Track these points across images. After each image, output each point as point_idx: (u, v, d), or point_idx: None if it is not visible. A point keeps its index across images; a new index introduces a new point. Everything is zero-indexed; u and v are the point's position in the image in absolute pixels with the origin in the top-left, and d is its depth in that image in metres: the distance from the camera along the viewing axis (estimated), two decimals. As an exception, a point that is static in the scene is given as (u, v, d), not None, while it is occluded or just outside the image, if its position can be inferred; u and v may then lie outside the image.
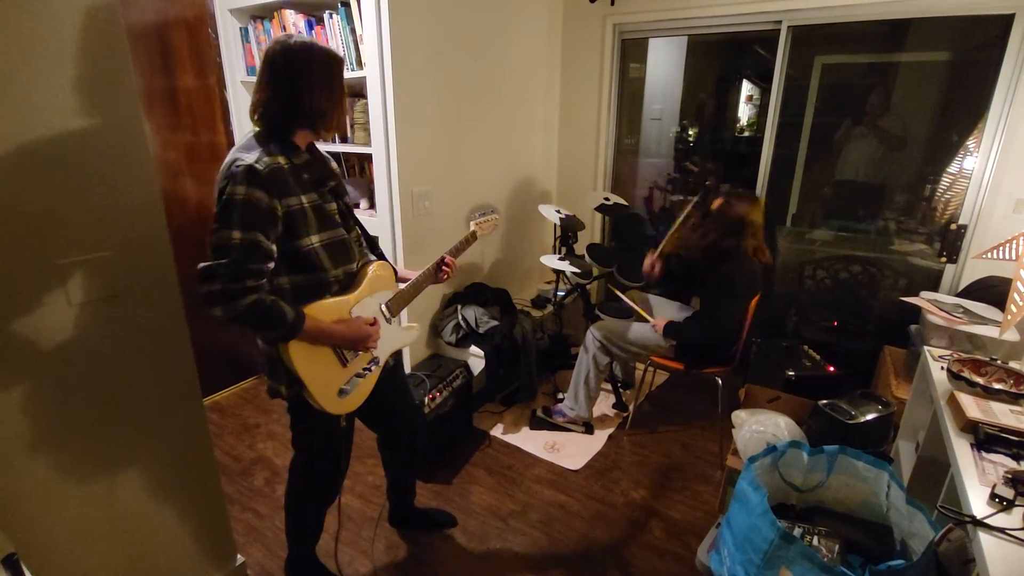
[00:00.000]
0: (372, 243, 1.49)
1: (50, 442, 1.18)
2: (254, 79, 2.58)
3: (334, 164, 1.41)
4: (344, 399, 1.35)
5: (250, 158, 1.14)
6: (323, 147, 2.45)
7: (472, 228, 1.70)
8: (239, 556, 1.69)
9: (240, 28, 2.43)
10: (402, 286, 1.51)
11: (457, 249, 1.62)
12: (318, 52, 1.21)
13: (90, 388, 1.22)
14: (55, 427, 1.18)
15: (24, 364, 1.11)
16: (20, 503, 1.15)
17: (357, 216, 1.46)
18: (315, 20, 2.21)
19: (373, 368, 1.42)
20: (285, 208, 1.18)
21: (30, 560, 1.14)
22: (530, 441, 2.46)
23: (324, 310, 1.27)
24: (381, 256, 1.49)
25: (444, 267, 1.57)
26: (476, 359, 2.50)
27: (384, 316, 1.44)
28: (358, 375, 1.38)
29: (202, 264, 1.12)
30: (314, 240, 1.25)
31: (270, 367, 1.34)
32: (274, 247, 1.18)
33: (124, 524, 1.34)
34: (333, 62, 1.24)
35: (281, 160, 1.19)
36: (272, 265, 1.19)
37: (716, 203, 2.24)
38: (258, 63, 2.48)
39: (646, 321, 2.38)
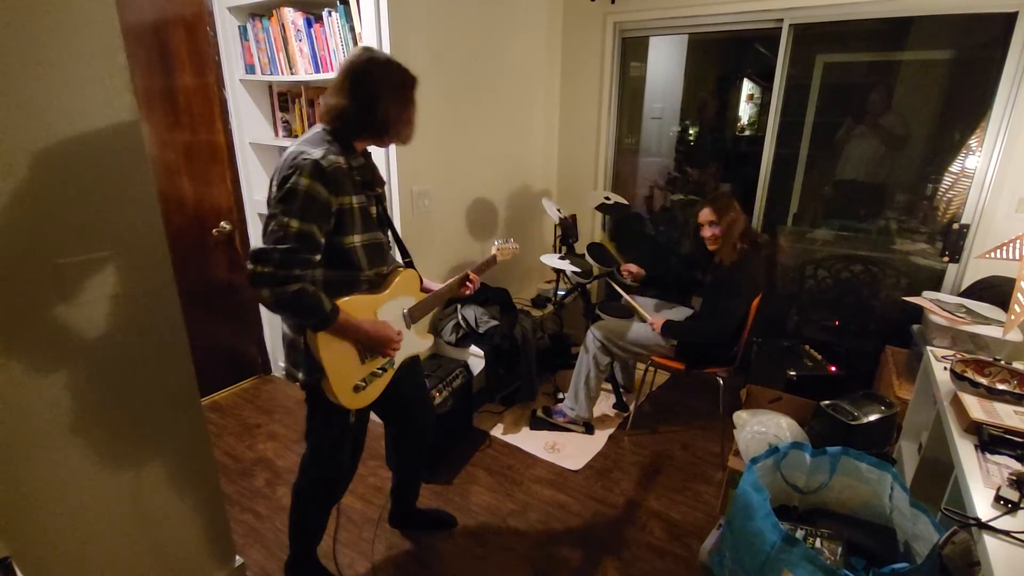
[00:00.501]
0: (403, 251, 1.54)
1: (46, 443, 1.17)
2: (253, 77, 2.58)
3: (380, 173, 1.46)
4: (358, 395, 1.38)
5: (317, 153, 1.21)
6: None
7: (493, 252, 1.78)
8: (238, 557, 1.68)
9: (239, 26, 2.41)
10: (425, 295, 1.55)
11: (479, 268, 1.69)
12: (397, 69, 1.31)
13: (86, 389, 1.21)
14: (50, 428, 1.17)
15: (18, 363, 1.10)
16: (16, 505, 1.14)
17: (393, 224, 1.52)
18: (314, 18, 2.20)
19: (388, 368, 1.46)
20: (338, 205, 1.24)
21: (27, 563, 1.14)
22: (530, 441, 2.45)
23: (354, 306, 1.32)
24: (410, 264, 1.54)
25: (468, 282, 1.63)
26: (476, 359, 2.49)
27: (405, 321, 1.48)
28: (374, 373, 1.42)
29: (256, 246, 1.17)
30: (356, 239, 1.31)
31: (291, 352, 1.37)
32: (323, 240, 1.23)
33: (121, 525, 1.34)
34: (409, 80, 1.33)
35: (341, 160, 1.25)
36: (319, 257, 1.24)
37: (706, 215, 2.21)
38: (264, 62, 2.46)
39: (645, 320, 2.37)
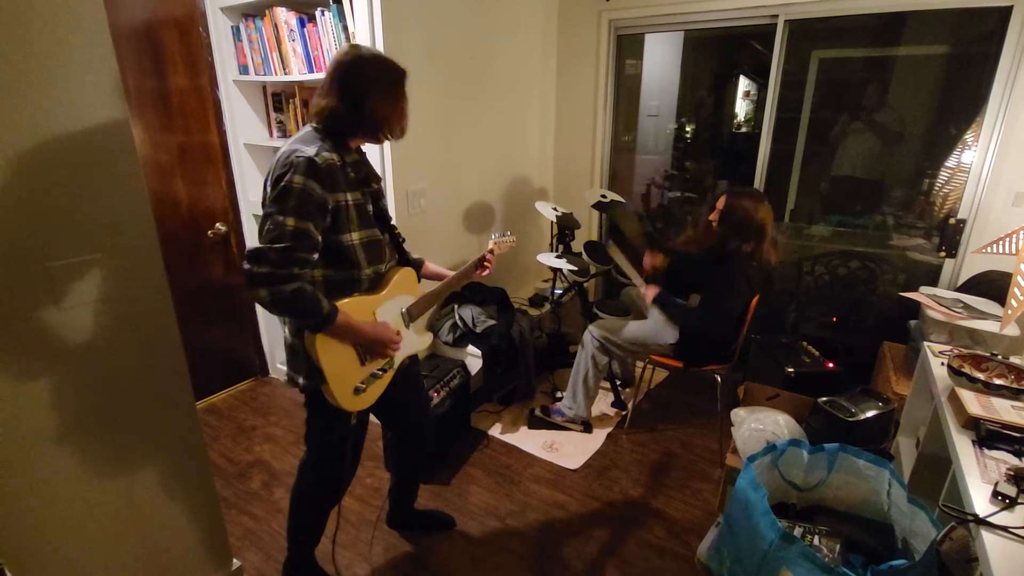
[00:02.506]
0: (401, 249, 1.52)
1: (38, 448, 1.16)
2: (246, 78, 2.57)
3: (375, 168, 1.45)
4: (358, 397, 1.37)
5: (310, 150, 1.19)
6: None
7: (490, 246, 1.73)
8: (235, 560, 1.67)
9: (232, 26, 2.40)
10: (427, 290, 1.54)
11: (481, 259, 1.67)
12: (386, 65, 1.29)
13: (79, 392, 1.20)
14: (43, 432, 1.16)
15: (10, 368, 1.09)
16: (8, 512, 1.13)
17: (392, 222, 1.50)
18: (307, 18, 2.19)
19: (388, 369, 1.45)
20: (333, 202, 1.23)
21: (18, 568, 1.13)
22: (528, 441, 2.45)
23: (353, 307, 1.31)
24: (407, 262, 1.52)
25: (486, 263, 1.64)
26: (473, 358, 2.49)
27: (404, 320, 1.47)
28: (374, 375, 1.40)
29: (253, 246, 1.15)
30: (354, 237, 1.29)
31: (292, 356, 1.36)
32: (320, 238, 1.21)
33: (116, 529, 1.33)
34: (398, 75, 1.31)
35: (335, 157, 1.24)
36: (317, 256, 1.22)
37: (722, 202, 2.20)
38: (264, 61, 2.44)
39: (639, 287, 2.38)
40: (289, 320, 1.33)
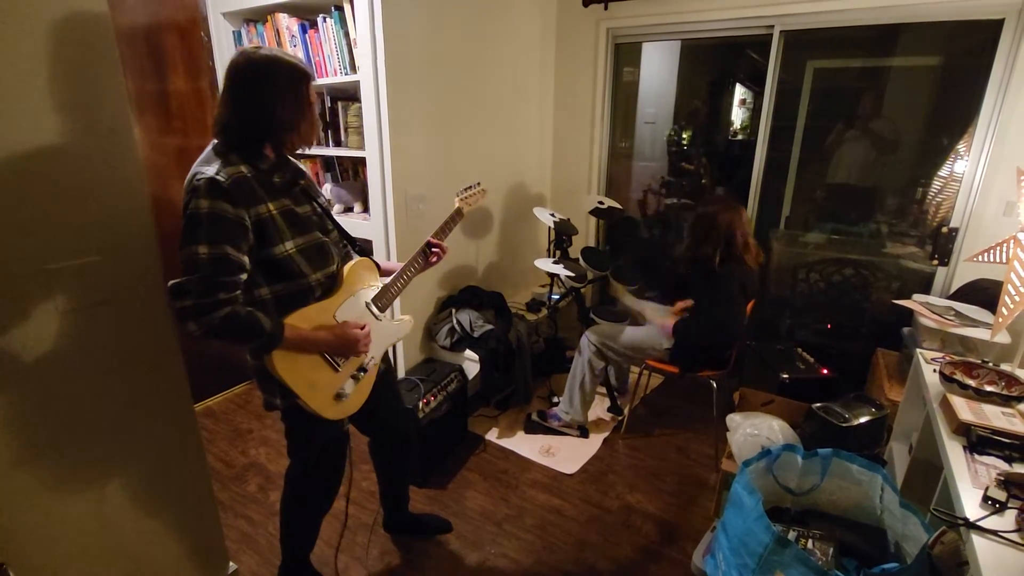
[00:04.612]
0: (352, 242, 1.46)
1: (37, 450, 1.16)
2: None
3: (300, 164, 1.37)
4: (343, 403, 1.34)
5: (210, 171, 1.12)
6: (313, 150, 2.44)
7: (457, 204, 1.63)
8: (232, 564, 1.67)
9: (233, 31, 2.42)
10: (387, 280, 1.48)
11: (443, 229, 1.57)
12: (283, 66, 1.17)
13: (78, 395, 1.21)
14: (42, 435, 1.16)
15: (10, 371, 1.10)
16: (7, 513, 1.13)
17: (335, 216, 1.43)
18: (308, 24, 2.20)
19: (370, 367, 1.41)
20: (254, 217, 1.15)
21: (18, 571, 1.13)
22: (525, 445, 2.46)
23: (305, 317, 1.25)
24: (361, 252, 1.46)
25: (432, 250, 1.54)
26: (471, 363, 2.50)
27: (373, 314, 1.42)
28: (353, 377, 1.37)
29: (172, 281, 1.11)
30: (288, 246, 1.22)
31: (262, 380, 1.31)
32: (245, 258, 1.15)
33: (114, 532, 1.33)
34: (299, 77, 1.20)
35: (243, 168, 1.16)
36: (245, 276, 1.16)
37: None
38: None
39: (647, 324, 2.38)
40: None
